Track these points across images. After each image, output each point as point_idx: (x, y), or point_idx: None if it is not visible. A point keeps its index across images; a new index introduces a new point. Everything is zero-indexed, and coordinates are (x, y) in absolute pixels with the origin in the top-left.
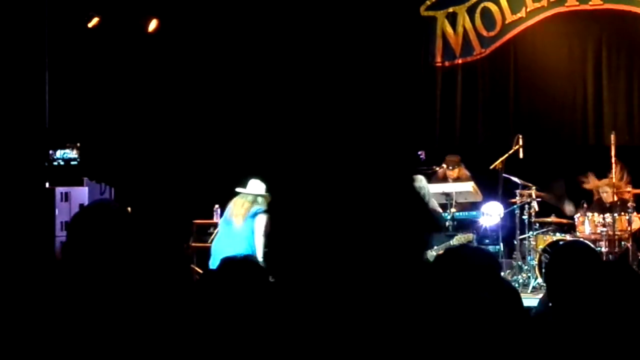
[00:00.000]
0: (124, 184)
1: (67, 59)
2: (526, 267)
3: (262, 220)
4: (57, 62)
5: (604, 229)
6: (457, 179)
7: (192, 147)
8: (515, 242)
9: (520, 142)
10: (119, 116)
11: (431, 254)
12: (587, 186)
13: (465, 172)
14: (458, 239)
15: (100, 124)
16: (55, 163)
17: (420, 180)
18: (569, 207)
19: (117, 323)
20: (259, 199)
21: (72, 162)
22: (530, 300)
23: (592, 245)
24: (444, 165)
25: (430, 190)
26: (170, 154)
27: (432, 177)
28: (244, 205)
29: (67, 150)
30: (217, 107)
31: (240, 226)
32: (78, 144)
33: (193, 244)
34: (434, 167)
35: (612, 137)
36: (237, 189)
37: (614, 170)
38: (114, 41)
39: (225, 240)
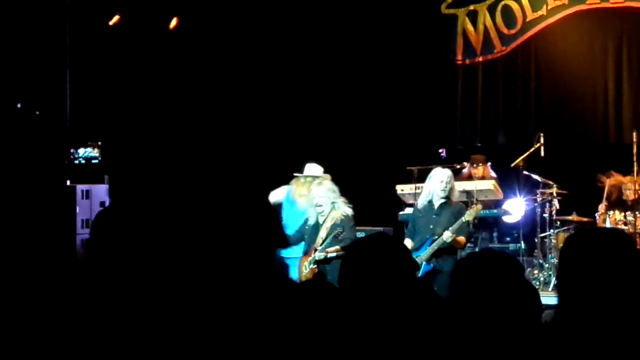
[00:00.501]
0: (144, 182)
1: (89, 57)
2: (547, 265)
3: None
4: (79, 60)
5: (625, 227)
6: (482, 178)
7: (211, 146)
8: (536, 240)
9: (542, 140)
10: (141, 115)
11: (447, 234)
12: (610, 183)
13: (490, 172)
14: (470, 214)
15: (122, 123)
16: (77, 162)
17: (448, 176)
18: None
19: (138, 321)
20: (319, 180)
21: (94, 161)
22: (551, 298)
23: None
24: (469, 164)
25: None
26: (192, 152)
27: (457, 176)
28: (306, 186)
29: (89, 149)
30: (234, 105)
31: (305, 205)
32: (99, 143)
33: None
34: (457, 165)
35: (634, 135)
36: (295, 174)
37: (635, 169)
38: (135, 39)
39: (291, 219)
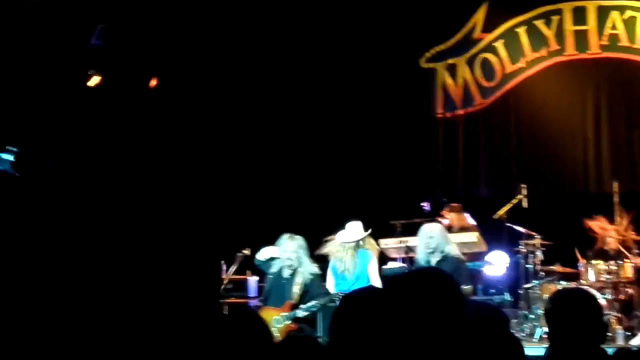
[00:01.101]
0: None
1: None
2: (532, 316)
3: (373, 263)
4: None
5: (609, 277)
6: (462, 228)
7: (194, 200)
8: (521, 292)
9: (524, 192)
10: (119, 172)
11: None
12: (597, 230)
13: (467, 220)
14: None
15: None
16: None
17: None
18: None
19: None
20: (361, 242)
21: None
22: (536, 349)
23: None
24: (445, 213)
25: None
26: (172, 211)
27: None
28: (349, 255)
29: None
30: (218, 162)
31: (353, 277)
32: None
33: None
34: (437, 218)
35: (616, 185)
36: (337, 236)
37: (618, 218)
38: (113, 96)
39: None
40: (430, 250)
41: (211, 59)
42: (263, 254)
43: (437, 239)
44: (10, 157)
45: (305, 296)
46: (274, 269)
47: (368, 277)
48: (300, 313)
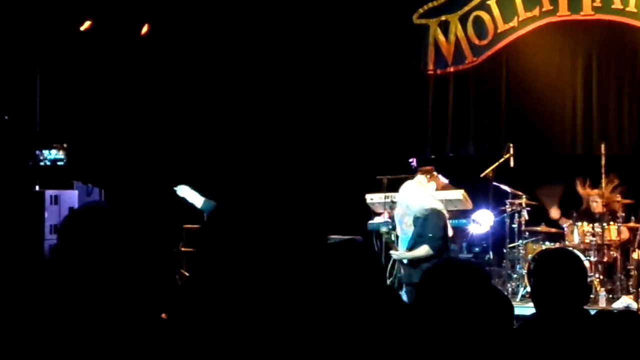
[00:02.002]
0: (113, 186)
1: (56, 59)
2: (515, 275)
3: None
4: (47, 61)
5: (593, 239)
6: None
7: (183, 150)
8: (505, 251)
9: (511, 151)
10: (108, 117)
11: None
12: (581, 192)
13: (441, 181)
14: None
15: (88, 125)
16: (42, 164)
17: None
18: (554, 213)
19: (104, 325)
20: None
21: (59, 163)
22: (520, 308)
23: (578, 254)
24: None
25: None
26: (161, 157)
27: None
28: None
29: (54, 151)
30: (205, 111)
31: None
32: (65, 145)
33: (183, 249)
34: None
35: (603, 147)
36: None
37: (603, 181)
38: (105, 42)
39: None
40: (402, 209)
41: (202, 7)
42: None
43: (406, 198)
44: None
45: None
46: None
47: None
48: None
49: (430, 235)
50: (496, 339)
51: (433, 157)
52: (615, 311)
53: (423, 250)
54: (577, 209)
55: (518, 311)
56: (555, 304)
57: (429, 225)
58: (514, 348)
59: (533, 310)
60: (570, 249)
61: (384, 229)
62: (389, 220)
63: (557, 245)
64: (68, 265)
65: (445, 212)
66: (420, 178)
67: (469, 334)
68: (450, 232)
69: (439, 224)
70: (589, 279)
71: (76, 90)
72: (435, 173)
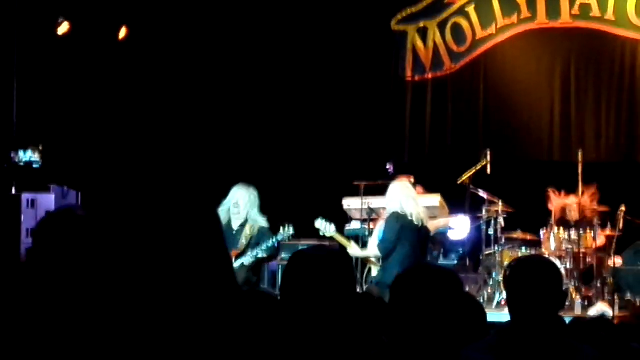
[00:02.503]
0: (89, 189)
1: (33, 60)
2: (491, 282)
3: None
4: (24, 62)
5: (569, 246)
6: None
7: (159, 151)
8: (481, 257)
9: (489, 158)
10: (84, 119)
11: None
12: (556, 202)
13: (420, 191)
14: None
15: (64, 127)
16: (17, 162)
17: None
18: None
19: (78, 328)
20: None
21: (35, 165)
22: (496, 315)
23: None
24: None
25: None
26: (137, 159)
27: None
28: None
29: (29, 152)
30: (182, 114)
31: None
32: (40, 147)
33: None
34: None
35: (580, 154)
36: None
37: (580, 188)
38: (82, 45)
39: None
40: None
41: (180, 9)
42: None
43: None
44: None
45: (253, 247)
46: (223, 220)
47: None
48: (247, 260)
49: (381, 237)
50: (469, 344)
51: (409, 162)
52: (589, 319)
53: (372, 250)
54: (552, 216)
55: (494, 318)
56: (530, 311)
57: (384, 227)
58: (484, 353)
59: (509, 317)
60: (546, 255)
61: (331, 231)
62: (365, 226)
63: (534, 252)
64: (42, 269)
65: (417, 216)
66: (405, 182)
67: (442, 340)
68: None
69: (394, 227)
70: (564, 286)
71: (52, 92)
72: (413, 181)
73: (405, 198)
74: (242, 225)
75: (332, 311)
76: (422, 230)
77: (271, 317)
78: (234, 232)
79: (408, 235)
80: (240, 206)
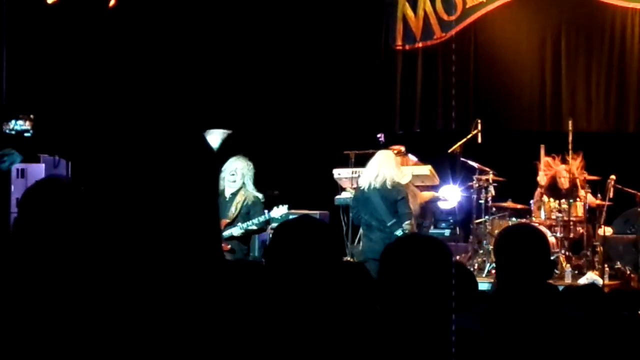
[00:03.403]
0: (80, 159)
1: (24, 29)
2: (482, 251)
3: None
4: (14, 31)
5: (559, 215)
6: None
7: (151, 121)
8: (472, 226)
9: (479, 127)
10: (75, 88)
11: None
12: (547, 168)
13: (412, 161)
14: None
15: (55, 96)
16: (8, 131)
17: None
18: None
19: (66, 301)
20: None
21: (26, 134)
22: (486, 284)
23: (542, 229)
24: None
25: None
26: (128, 129)
27: None
28: None
29: (20, 122)
30: (173, 83)
31: None
32: (32, 116)
33: None
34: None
35: (570, 123)
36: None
37: (570, 157)
38: (73, 13)
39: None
40: (373, 175)
41: None
42: None
43: (377, 167)
44: None
45: (244, 218)
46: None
47: None
48: (237, 231)
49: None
50: (459, 313)
51: (401, 132)
52: (579, 286)
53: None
54: (542, 185)
55: (485, 287)
56: (517, 279)
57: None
58: (474, 322)
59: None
60: (535, 224)
61: None
62: None
63: (524, 221)
64: (28, 238)
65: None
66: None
67: (432, 309)
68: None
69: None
70: (554, 255)
71: (43, 61)
72: (404, 151)
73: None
74: (234, 194)
75: (316, 279)
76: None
77: (259, 286)
78: (226, 200)
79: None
80: (238, 175)
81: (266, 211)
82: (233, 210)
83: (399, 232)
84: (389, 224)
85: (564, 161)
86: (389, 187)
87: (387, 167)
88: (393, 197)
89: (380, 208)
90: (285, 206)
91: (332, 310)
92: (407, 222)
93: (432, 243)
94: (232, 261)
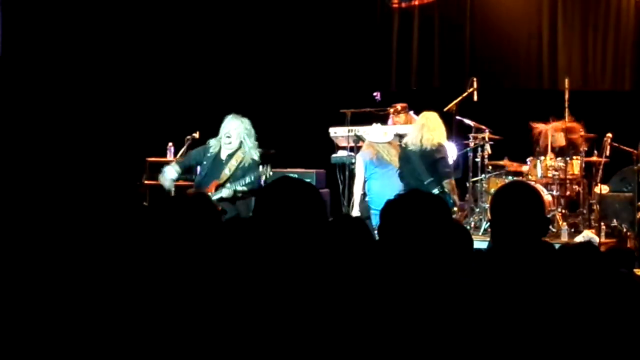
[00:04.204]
0: (76, 115)
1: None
2: (478, 209)
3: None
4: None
5: (556, 173)
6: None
7: (145, 83)
8: (468, 185)
9: (475, 85)
10: (71, 48)
11: None
12: (543, 127)
13: (414, 119)
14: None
15: (53, 50)
16: None
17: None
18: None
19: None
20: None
21: None
22: (482, 243)
23: (537, 187)
24: (394, 116)
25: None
26: (125, 89)
27: (385, 121)
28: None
29: None
30: (170, 41)
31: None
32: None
33: (146, 182)
34: (388, 109)
35: (567, 81)
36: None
37: (567, 115)
38: None
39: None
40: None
41: None
42: None
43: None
44: None
45: (237, 179)
46: (213, 149)
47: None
48: (225, 192)
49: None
50: (455, 269)
51: (397, 90)
52: (575, 244)
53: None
54: (539, 144)
55: (480, 245)
56: (511, 236)
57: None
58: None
59: None
60: (531, 183)
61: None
62: (352, 154)
63: (520, 179)
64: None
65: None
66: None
67: (429, 265)
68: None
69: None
70: (551, 214)
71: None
72: (407, 108)
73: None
74: (230, 156)
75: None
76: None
77: (252, 241)
78: (222, 162)
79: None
80: (233, 136)
81: (253, 174)
82: (226, 172)
83: (436, 191)
84: (426, 182)
85: (560, 119)
86: (428, 147)
87: (428, 127)
88: (432, 157)
89: (419, 167)
90: (268, 166)
91: (321, 264)
92: (446, 181)
93: (431, 199)
94: (228, 219)
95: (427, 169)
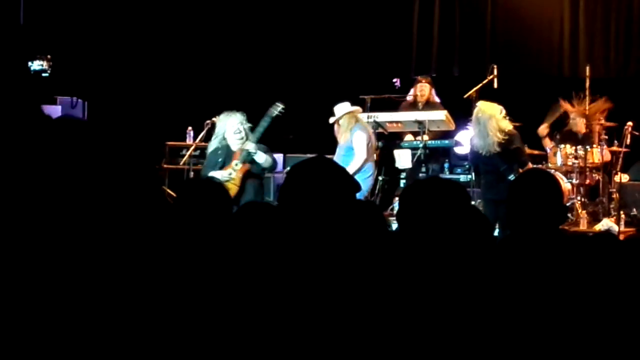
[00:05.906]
0: (97, 100)
1: None
2: None
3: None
4: None
5: (576, 161)
6: (427, 103)
7: (167, 67)
8: None
9: (495, 72)
10: (93, 29)
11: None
12: (567, 109)
13: (434, 96)
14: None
15: (73, 35)
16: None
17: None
18: (543, 129)
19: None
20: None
21: (43, 74)
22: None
23: (556, 174)
24: (420, 79)
25: (403, 118)
26: (145, 74)
27: (400, 106)
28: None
29: (37, 62)
30: (190, 29)
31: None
32: (49, 56)
33: (165, 166)
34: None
35: (588, 69)
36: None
37: (587, 102)
38: None
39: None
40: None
41: None
42: None
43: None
44: None
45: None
46: (221, 145)
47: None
48: (251, 146)
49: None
50: (475, 257)
51: (417, 77)
52: (594, 234)
53: None
54: (560, 131)
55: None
56: (528, 224)
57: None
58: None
59: None
60: (551, 171)
61: None
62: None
63: (539, 167)
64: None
65: None
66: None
67: (448, 251)
68: None
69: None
70: (570, 202)
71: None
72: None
73: None
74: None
75: (327, 218)
76: None
77: (272, 226)
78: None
79: None
80: (240, 129)
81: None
82: (237, 157)
83: (511, 177)
84: (501, 169)
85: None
86: (500, 136)
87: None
88: (505, 146)
89: (494, 157)
90: (248, 143)
91: (345, 247)
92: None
93: (451, 185)
94: (244, 204)
95: (501, 158)
